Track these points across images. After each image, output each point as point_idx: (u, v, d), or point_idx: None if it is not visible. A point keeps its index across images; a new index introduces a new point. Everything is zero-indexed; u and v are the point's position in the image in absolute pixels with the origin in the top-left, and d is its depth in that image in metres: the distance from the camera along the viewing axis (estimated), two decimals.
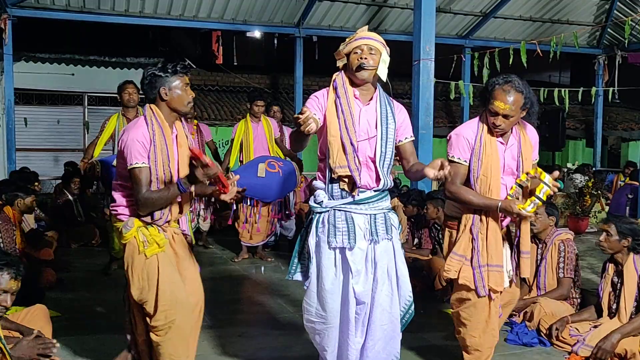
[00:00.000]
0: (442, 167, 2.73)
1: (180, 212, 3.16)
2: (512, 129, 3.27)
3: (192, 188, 2.93)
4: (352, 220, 2.95)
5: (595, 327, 4.05)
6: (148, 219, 3.02)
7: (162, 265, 3.02)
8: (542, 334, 4.28)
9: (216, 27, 11.80)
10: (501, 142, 3.27)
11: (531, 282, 4.77)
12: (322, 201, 2.98)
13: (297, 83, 11.13)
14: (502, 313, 3.60)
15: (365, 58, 2.90)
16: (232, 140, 6.86)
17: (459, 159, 3.26)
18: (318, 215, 3.00)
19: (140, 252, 3.00)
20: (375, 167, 2.97)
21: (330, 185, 2.98)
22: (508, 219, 3.35)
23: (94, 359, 3.74)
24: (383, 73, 2.94)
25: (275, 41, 18.33)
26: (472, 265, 3.27)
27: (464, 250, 3.29)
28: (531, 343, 4.22)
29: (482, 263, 3.25)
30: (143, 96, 3.27)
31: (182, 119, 3.23)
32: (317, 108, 2.96)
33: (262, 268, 6.60)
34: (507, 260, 3.36)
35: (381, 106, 3.01)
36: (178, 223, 3.23)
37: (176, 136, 3.11)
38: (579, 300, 4.68)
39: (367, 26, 3.09)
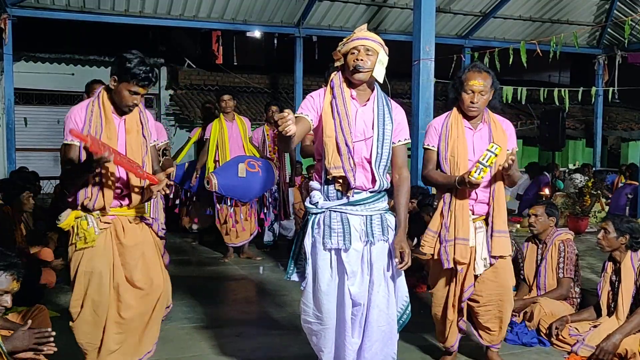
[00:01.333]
0: (401, 259, 2.90)
1: (129, 199, 3.15)
2: (482, 116, 3.53)
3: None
4: (347, 221, 2.93)
5: (595, 327, 4.06)
6: (85, 204, 3.07)
7: (84, 259, 3.11)
8: (542, 334, 4.28)
9: (216, 27, 11.80)
10: (469, 128, 3.53)
11: (531, 282, 4.77)
12: (318, 202, 2.97)
13: (297, 83, 11.13)
14: (503, 310, 3.60)
15: (362, 59, 2.86)
16: (207, 140, 6.77)
17: (428, 145, 3.59)
18: (314, 216, 2.98)
19: (72, 243, 3.12)
20: (371, 168, 2.95)
21: (325, 186, 2.96)
22: (477, 196, 3.52)
23: None
24: (380, 74, 2.92)
25: (275, 41, 18.33)
26: (439, 239, 3.53)
27: (437, 227, 3.56)
28: (531, 343, 4.22)
29: (448, 238, 3.49)
30: None
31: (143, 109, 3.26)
32: (312, 108, 2.95)
33: (261, 268, 6.60)
34: (482, 245, 3.50)
35: (378, 107, 2.99)
36: (141, 213, 3.25)
37: (124, 121, 3.12)
38: (579, 300, 4.68)
39: (366, 25, 3.05)
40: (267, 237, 7.19)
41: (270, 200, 6.99)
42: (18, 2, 9.13)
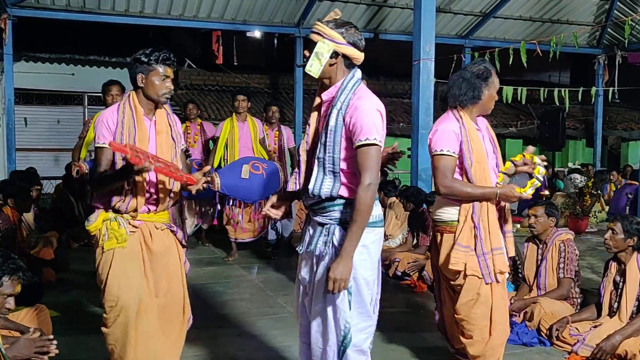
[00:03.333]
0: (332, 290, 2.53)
1: (156, 204, 3.10)
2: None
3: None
4: (309, 225, 2.80)
5: (596, 327, 4.06)
6: (117, 207, 3.02)
7: (115, 260, 3.02)
8: (542, 334, 4.28)
9: (216, 27, 11.80)
10: (477, 129, 3.32)
11: (531, 282, 4.77)
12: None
13: (297, 83, 11.13)
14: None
15: (304, 55, 2.69)
16: (218, 138, 6.85)
17: (448, 151, 3.19)
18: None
19: (100, 245, 3.05)
20: (317, 174, 2.66)
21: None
22: (502, 203, 3.36)
23: (94, 359, 3.73)
24: (312, 67, 2.64)
25: (275, 41, 18.32)
26: (476, 254, 3.23)
27: (468, 241, 3.23)
28: (531, 343, 4.22)
29: (486, 250, 3.22)
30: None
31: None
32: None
33: (262, 267, 6.61)
34: (503, 243, 3.36)
35: (334, 106, 2.62)
36: (168, 219, 3.21)
37: (155, 122, 3.12)
38: (579, 300, 4.68)
39: (333, 13, 2.73)
40: (271, 235, 7.19)
41: None
42: (18, 2, 9.13)
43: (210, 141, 7.54)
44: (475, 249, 3.23)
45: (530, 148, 3.42)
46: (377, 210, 2.69)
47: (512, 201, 3.28)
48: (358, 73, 2.69)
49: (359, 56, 2.66)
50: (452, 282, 3.33)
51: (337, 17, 2.70)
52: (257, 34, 16.67)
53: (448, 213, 3.31)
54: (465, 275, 3.24)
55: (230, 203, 6.57)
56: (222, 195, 6.49)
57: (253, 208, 6.66)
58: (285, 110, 11.63)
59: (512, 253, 3.43)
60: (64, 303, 4.88)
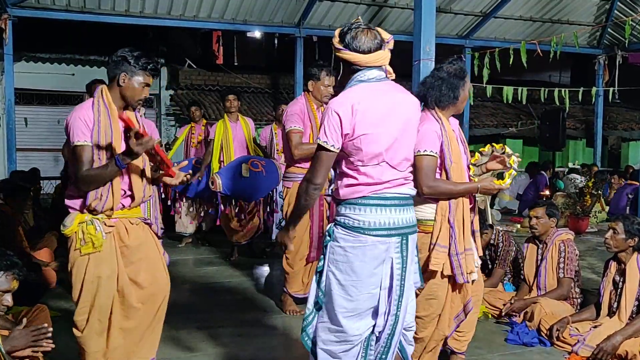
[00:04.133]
0: None
1: (132, 199, 3.11)
2: None
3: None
4: None
5: (596, 327, 4.06)
6: (93, 206, 2.98)
7: (91, 264, 3.02)
8: (543, 334, 4.28)
9: (216, 27, 11.78)
10: (452, 129, 3.35)
11: (531, 282, 4.77)
12: None
13: (298, 83, 11.13)
14: (473, 307, 3.51)
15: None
16: (212, 140, 6.85)
17: (432, 151, 3.18)
18: None
19: (76, 249, 3.01)
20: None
21: None
22: (477, 202, 3.44)
23: None
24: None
25: (276, 41, 18.30)
26: (449, 253, 3.22)
27: (444, 240, 3.23)
28: (531, 343, 4.22)
29: (459, 250, 3.23)
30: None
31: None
32: None
33: (264, 267, 6.60)
34: (473, 244, 3.38)
35: None
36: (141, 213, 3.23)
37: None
38: (579, 300, 4.68)
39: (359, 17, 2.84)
40: (275, 234, 7.19)
41: (275, 198, 7.01)
42: (18, 2, 9.12)
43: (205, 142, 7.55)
44: (449, 249, 3.23)
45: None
46: (372, 217, 2.63)
47: (492, 193, 3.36)
48: (361, 75, 2.67)
49: (360, 59, 2.65)
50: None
51: (355, 22, 2.72)
52: (257, 34, 16.66)
53: (423, 211, 3.25)
54: (442, 276, 3.26)
55: (233, 203, 6.55)
56: (223, 196, 6.48)
57: (253, 205, 6.65)
58: None
59: (481, 252, 3.47)
60: (64, 303, 4.87)
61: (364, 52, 2.64)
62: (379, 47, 2.67)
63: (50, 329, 2.76)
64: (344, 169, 2.68)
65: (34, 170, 8.77)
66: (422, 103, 3.30)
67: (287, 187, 4.80)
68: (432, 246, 3.22)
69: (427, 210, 3.25)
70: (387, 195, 2.65)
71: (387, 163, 2.64)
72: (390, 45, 2.72)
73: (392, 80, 2.80)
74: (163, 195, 7.00)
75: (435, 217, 3.24)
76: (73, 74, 12.36)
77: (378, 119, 2.61)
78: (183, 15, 10.20)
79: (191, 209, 7.21)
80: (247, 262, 6.77)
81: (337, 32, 2.69)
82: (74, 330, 3.10)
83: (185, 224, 7.49)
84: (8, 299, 2.74)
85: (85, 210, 3.02)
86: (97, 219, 3.02)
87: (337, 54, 2.67)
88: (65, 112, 12.62)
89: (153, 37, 13.77)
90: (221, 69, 14.50)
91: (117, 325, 3.13)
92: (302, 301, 4.40)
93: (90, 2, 9.53)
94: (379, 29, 2.71)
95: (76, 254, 3.03)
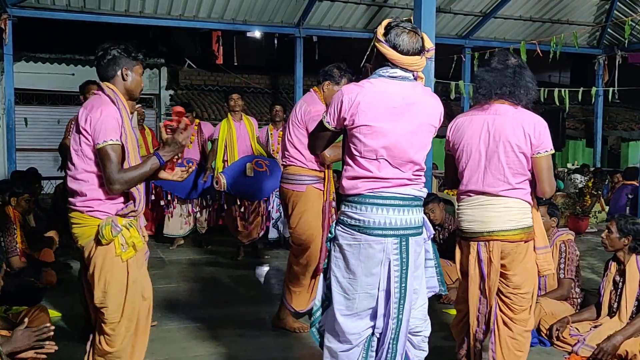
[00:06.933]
0: None
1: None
2: None
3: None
4: None
5: (596, 327, 4.06)
6: (126, 209, 2.83)
7: (131, 269, 2.84)
8: (543, 334, 4.27)
9: (216, 27, 11.79)
10: None
11: None
12: None
13: (297, 83, 11.11)
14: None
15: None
16: (216, 140, 6.86)
17: (552, 149, 3.19)
18: None
19: (117, 255, 2.79)
20: None
21: None
22: None
23: None
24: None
25: (276, 41, 18.32)
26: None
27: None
28: (531, 343, 4.21)
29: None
30: None
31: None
32: None
33: (266, 267, 6.60)
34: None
35: None
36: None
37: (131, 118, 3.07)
38: (579, 300, 4.68)
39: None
40: (272, 234, 7.18)
41: (274, 197, 7.01)
42: (18, 2, 9.12)
43: (209, 142, 7.54)
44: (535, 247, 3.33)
45: None
46: (368, 216, 2.62)
47: None
48: (383, 71, 2.66)
49: (395, 58, 2.63)
50: (520, 292, 3.28)
51: (405, 19, 2.73)
52: (257, 34, 16.67)
53: (529, 218, 3.26)
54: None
55: (238, 203, 6.54)
56: (226, 195, 6.49)
57: (257, 205, 6.64)
58: (286, 110, 11.61)
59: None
60: (65, 304, 4.87)
61: (401, 52, 2.62)
62: (418, 52, 2.65)
63: (52, 328, 2.74)
64: (346, 158, 2.71)
65: (35, 171, 8.76)
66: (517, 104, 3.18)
67: (299, 191, 4.21)
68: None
69: (530, 216, 3.24)
70: (386, 195, 2.62)
71: (386, 161, 2.61)
72: (430, 54, 2.71)
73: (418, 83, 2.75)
74: (153, 197, 7.00)
75: (532, 223, 3.25)
76: (73, 74, 12.35)
77: (382, 114, 2.59)
78: (183, 15, 10.21)
79: (184, 211, 7.19)
80: (247, 262, 6.77)
81: (384, 23, 2.67)
82: (104, 346, 2.86)
83: (178, 226, 7.37)
84: None
85: (114, 214, 2.82)
86: (132, 221, 2.87)
87: (377, 44, 2.67)
88: (65, 112, 12.62)
89: (153, 37, 13.78)
90: (221, 69, 14.51)
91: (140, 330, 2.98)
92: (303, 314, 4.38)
93: (90, 2, 9.53)
94: (425, 36, 2.69)
95: (116, 262, 2.81)
